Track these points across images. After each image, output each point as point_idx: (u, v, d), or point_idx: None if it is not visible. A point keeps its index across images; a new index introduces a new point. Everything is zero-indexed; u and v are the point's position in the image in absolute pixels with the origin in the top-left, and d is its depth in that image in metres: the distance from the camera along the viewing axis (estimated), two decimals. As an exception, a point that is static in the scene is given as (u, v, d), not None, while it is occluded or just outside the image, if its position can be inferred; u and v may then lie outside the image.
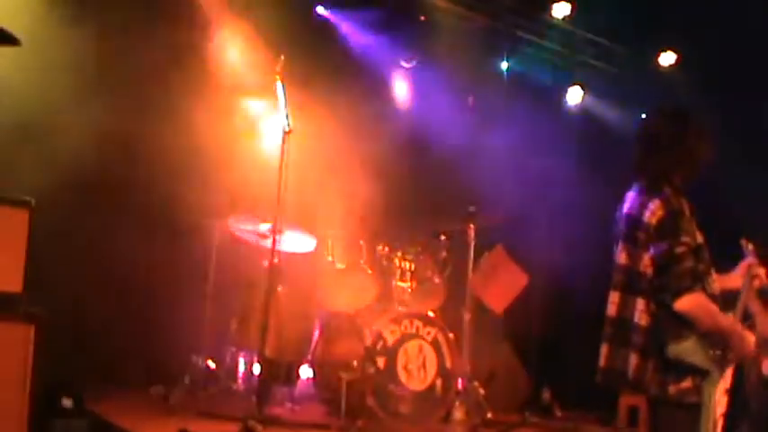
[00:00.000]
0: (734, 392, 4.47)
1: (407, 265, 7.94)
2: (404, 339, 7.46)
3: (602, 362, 4.57)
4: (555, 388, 9.27)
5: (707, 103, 9.05)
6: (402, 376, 7.37)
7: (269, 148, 7.13)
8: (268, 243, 7.02)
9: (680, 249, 4.31)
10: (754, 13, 8.38)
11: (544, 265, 9.46)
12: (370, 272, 7.91)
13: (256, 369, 7.28)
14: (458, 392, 7.67)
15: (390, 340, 7.39)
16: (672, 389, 4.35)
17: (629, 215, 4.53)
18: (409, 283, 7.92)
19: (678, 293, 4.29)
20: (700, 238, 4.51)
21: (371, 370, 7.13)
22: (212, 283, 7.65)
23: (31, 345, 5.49)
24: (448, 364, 7.60)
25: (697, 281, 4.34)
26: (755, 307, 6.46)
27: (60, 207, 6.52)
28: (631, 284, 4.51)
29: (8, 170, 6.61)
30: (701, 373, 4.34)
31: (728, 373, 4.44)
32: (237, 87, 8.09)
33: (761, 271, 4.76)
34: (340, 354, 7.53)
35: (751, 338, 4.45)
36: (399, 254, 7.98)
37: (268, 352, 6.95)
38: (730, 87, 9.03)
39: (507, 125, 9.41)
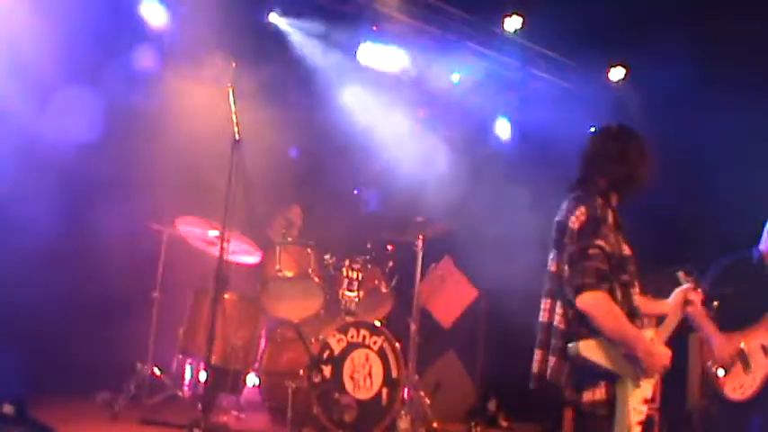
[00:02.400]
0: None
1: (355, 274, 7.94)
2: (350, 348, 7.48)
3: (534, 367, 4.56)
4: (500, 398, 9.32)
5: (654, 118, 9.24)
6: (348, 385, 7.39)
7: (219, 155, 7.09)
8: (216, 250, 7.03)
9: (592, 250, 4.32)
10: (700, 30, 8.55)
11: (492, 277, 9.51)
12: (317, 281, 7.91)
13: (203, 376, 7.26)
14: (403, 402, 7.70)
15: (337, 349, 7.40)
16: (586, 396, 4.34)
17: (558, 222, 4.55)
18: (356, 293, 7.93)
19: (580, 290, 4.28)
20: (627, 251, 4.54)
21: (317, 379, 7.13)
22: (159, 288, 7.62)
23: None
24: (394, 374, 7.63)
25: (603, 282, 4.30)
26: (709, 329, 6.62)
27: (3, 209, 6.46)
28: (557, 290, 4.51)
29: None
30: (613, 380, 4.32)
31: (648, 382, 4.39)
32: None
33: (696, 297, 4.86)
34: (286, 362, 7.53)
35: (665, 355, 4.43)
36: (347, 263, 7.98)
37: (214, 359, 6.96)
38: (678, 102, 9.18)
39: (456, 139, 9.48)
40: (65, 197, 7.24)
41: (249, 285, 7.94)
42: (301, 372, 7.17)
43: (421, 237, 8.11)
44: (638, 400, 4.36)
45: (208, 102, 7.55)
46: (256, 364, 7.79)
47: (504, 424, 9.07)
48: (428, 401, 8.03)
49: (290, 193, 8.55)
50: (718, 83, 8.61)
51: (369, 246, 8.28)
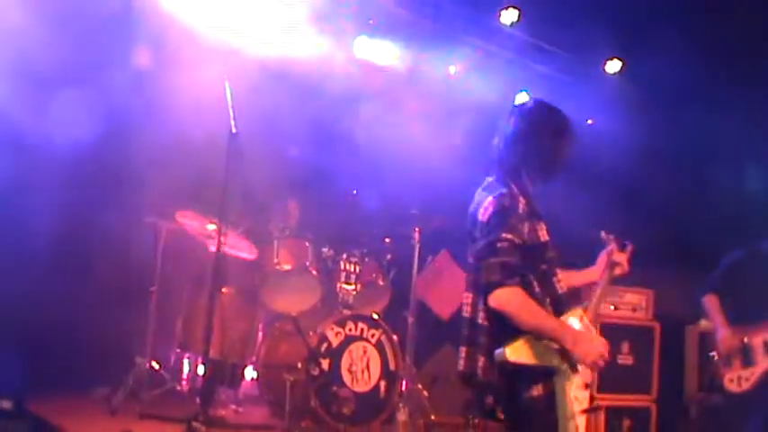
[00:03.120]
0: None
1: (352, 267, 7.96)
2: (348, 341, 7.49)
3: (461, 365, 4.27)
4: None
5: (651, 111, 9.24)
6: (346, 378, 7.40)
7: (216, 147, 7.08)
8: (213, 243, 7.05)
9: (500, 244, 4.05)
10: (697, 22, 8.55)
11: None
12: (315, 274, 7.92)
13: (201, 370, 7.26)
14: (401, 394, 7.71)
15: (335, 342, 7.42)
16: (525, 394, 4.08)
17: (471, 214, 4.31)
18: (354, 286, 7.96)
19: (489, 288, 4.03)
20: (544, 237, 4.25)
21: (315, 372, 7.14)
22: (157, 281, 7.62)
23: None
24: (392, 366, 7.64)
25: (512, 276, 4.02)
26: (718, 320, 6.49)
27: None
28: (477, 284, 4.22)
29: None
30: (548, 375, 4.06)
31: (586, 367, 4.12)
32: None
33: (622, 258, 4.59)
34: (284, 355, 7.53)
35: (599, 343, 4.12)
36: (344, 256, 8.00)
37: (212, 353, 6.97)
38: (675, 95, 9.19)
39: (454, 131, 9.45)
40: (62, 193, 7.23)
41: (247, 279, 7.94)
42: (299, 365, 7.17)
43: (418, 230, 8.11)
44: (578, 388, 4.11)
45: (204, 95, 7.52)
46: (254, 358, 7.79)
47: (502, 417, 9.03)
48: (426, 394, 8.03)
49: (287, 187, 8.53)
50: (716, 75, 8.61)
51: (366, 239, 8.29)
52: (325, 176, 8.57)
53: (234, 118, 6.78)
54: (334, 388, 7.22)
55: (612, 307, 8.51)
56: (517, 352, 4.00)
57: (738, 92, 8.54)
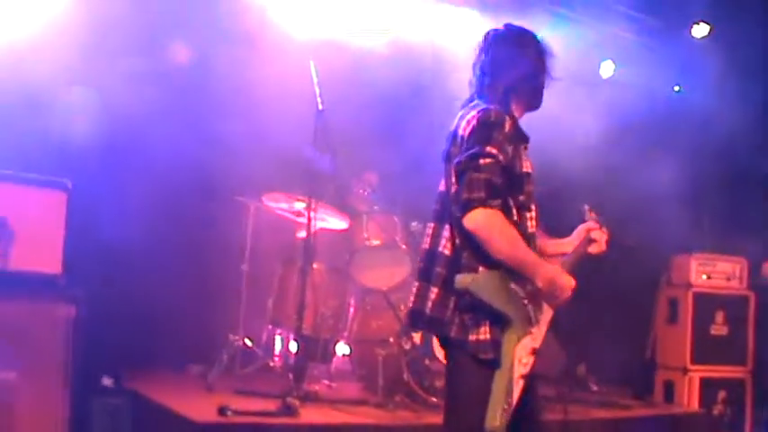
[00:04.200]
0: None
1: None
2: (439, 314, 7.46)
3: (411, 302, 3.94)
4: (589, 363, 9.25)
5: (738, 76, 9.03)
6: (438, 351, 7.36)
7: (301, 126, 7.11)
8: (303, 220, 7.11)
9: (483, 160, 3.67)
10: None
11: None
12: (404, 248, 7.92)
13: (293, 347, 7.32)
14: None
15: (426, 316, 7.40)
16: (471, 335, 3.70)
17: (449, 134, 3.94)
18: (443, 259, 7.90)
19: (467, 206, 3.63)
20: (527, 168, 3.93)
21: (408, 345, 7.14)
22: (248, 261, 7.69)
23: (71, 325, 5.58)
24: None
25: (495, 197, 3.64)
26: None
27: (94, 186, 6.54)
28: (443, 211, 3.91)
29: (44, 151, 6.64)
30: (500, 322, 3.69)
31: (540, 330, 3.83)
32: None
33: (601, 236, 4.22)
34: (376, 330, 7.54)
35: (568, 283, 3.80)
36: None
37: (304, 329, 7.02)
38: (763, 60, 8.97)
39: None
40: (151, 178, 7.32)
41: (336, 255, 7.99)
42: (391, 339, 7.19)
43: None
44: (525, 351, 3.75)
45: (288, 74, 7.55)
46: (346, 333, 7.83)
47: (595, 388, 8.98)
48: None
49: (366, 160, 8.53)
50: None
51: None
52: (407, 146, 8.52)
53: (320, 95, 6.83)
54: (427, 361, 7.21)
55: (705, 276, 8.39)
56: (477, 284, 3.67)
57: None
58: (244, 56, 7.97)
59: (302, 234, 7.40)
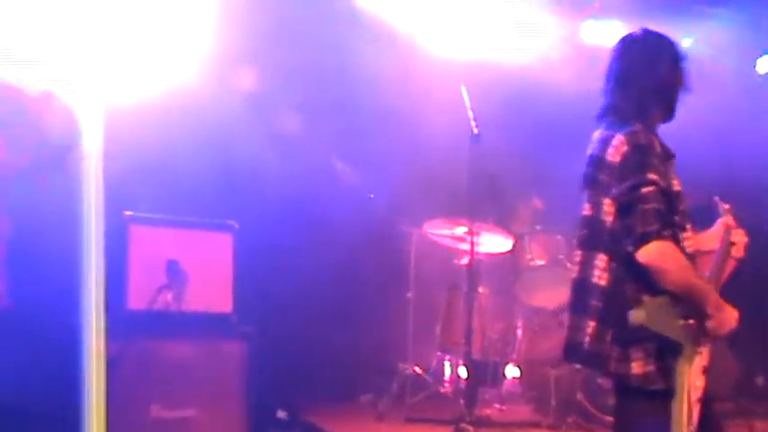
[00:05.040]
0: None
1: (606, 257, 7.80)
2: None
3: (569, 336, 3.77)
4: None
5: None
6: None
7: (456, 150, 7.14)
8: (465, 245, 7.13)
9: (645, 189, 3.50)
10: None
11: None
12: (569, 266, 7.82)
13: (463, 372, 7.33)
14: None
15: (595, 334, 7.29)
16: (635, 368, 3.52)
17: (591, 156, 3.74)
18: (608, 276, 7.78)
19: (642, 240, 3.47)
20: (677, 186, 3.72)
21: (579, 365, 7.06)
22: (413, 288, 7.75)
23: (244, 361, 5.75)
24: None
25: (666, 227, 3.50)
26: None
27: (257, 223, 6.71)
28: (593, 238, 3.71)
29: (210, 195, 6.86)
30: (670, 349, 3.50)
31: (706, 349, 3.59)
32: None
33: (740, 236, 3.91)
34: (546, 350, 7.48)
35: (733, 314, 3.58)
36: (597, 247, 7.85)
37: (473, 353, 7.03)
38: None
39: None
40: (312, 211, 7.47)
41: (500, 278, 7.97)
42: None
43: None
44: (697, 373, 3.55)
45: (440, 100, 7.60)
46: (515, 355, 7.79)
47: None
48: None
49: (529, 185, 8.49)
50: None
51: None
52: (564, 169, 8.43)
53: (474, 119, 6.85)
54: (600, 380, 7.10)
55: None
56: (651, 318, 3.46)
57: None
58: (397, 84, 8.05)
59: (465, 259, 7.41)
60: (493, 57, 8.57)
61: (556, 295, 7.77)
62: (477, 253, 7.12)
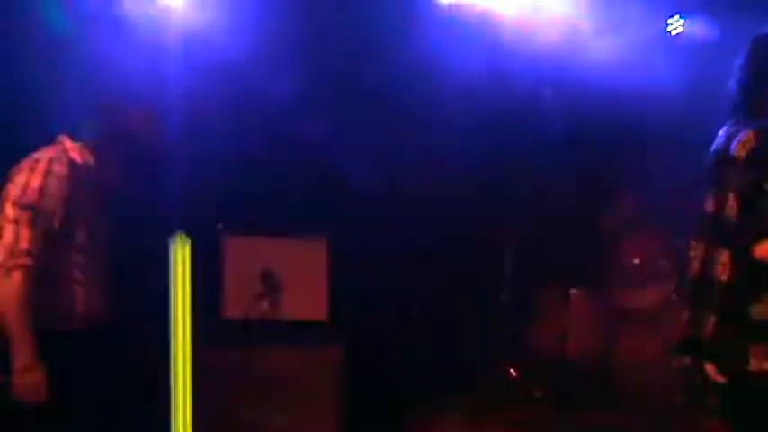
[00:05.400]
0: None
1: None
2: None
3: (687, 331, 3.88)
4: None
5: None
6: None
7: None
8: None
9: None
10: None
11: None
12: (665, 264, 7.70)
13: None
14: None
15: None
16: (753, 364, 3.59)
17: (715, 151, 3.79)
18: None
19: (759, 237, 3.51)
20: None
21: (678, 365, 6.94)
22: (506, 290, 7.69)
23: (340, 368, 5.81)
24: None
25: None
26: None
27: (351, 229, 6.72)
28: (716, 233, 3.74)
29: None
30: None
31: None
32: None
33: None
34: (641, 351, 7.37)
35: None
36: (693, 244, 7.71)
37: (567, 356, 6.98)
38: None
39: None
40: (401, 215, 7.47)
41: (596, 278, 7.87)
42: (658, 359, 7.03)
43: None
44: None
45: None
46: (610, 357, 7.69)
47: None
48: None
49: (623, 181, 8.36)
50: None
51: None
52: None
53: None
54: (698, 381, 6.97)
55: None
56: None
57: None
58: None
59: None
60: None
61: (652, 294, 7.67)
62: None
